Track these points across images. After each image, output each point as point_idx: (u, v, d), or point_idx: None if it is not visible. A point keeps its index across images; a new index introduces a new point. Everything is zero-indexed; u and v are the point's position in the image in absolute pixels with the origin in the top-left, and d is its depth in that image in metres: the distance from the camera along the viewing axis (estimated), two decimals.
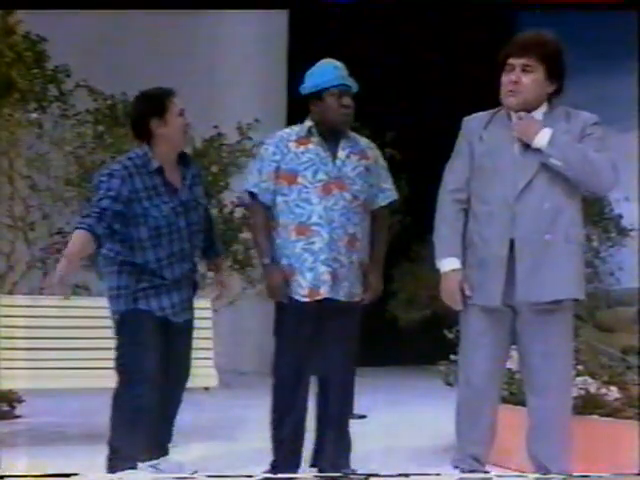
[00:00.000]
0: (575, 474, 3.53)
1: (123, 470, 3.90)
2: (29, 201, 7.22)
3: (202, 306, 5.88)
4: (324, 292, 3.99)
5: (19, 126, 6.97)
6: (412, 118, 11.43)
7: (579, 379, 4.45)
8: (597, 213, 10.45)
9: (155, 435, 4.00)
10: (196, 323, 5.66)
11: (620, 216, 10.70)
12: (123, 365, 3.98)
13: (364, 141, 4.23)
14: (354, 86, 4.09)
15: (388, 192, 4.23)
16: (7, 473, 3.89)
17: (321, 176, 4.03)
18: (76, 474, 3.73)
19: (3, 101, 6.79)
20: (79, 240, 3.73)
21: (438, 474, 3.77)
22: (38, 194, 7.17)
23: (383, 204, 4.21)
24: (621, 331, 8.38)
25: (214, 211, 8.72)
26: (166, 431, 4.17)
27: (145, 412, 3.92)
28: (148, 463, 3.93)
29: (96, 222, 3.76)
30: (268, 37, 11.60)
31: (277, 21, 11.68)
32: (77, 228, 3.78)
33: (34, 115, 7.16)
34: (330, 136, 4.09)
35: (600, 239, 10.62)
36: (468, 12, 10.05)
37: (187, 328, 4.18)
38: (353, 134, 4.20)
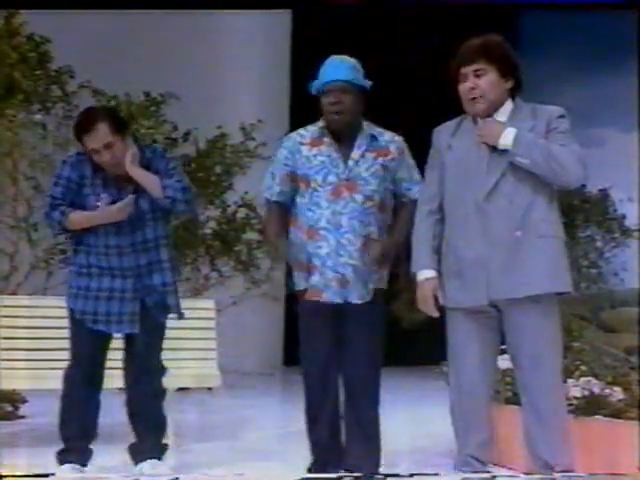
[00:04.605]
0: (577, 474, 3.52)
1: (70, 462, 4.01)
2: (33, 202, 7.22)
3: (206, 307, 5.89)
4: (327, 297, 3.93)
5: (23, 127, 6.99)
6: (414, 119, 11.41)
7: (582, 380, 4.44)
8: (600, 214, 10.42)
9: (86, 434, 4.06)
10: (199, 323, 5.71)
11: (623, 216, 10.69)
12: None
13: (387, 135, 4.08)
14: (351, 79, 3.90)
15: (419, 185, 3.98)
16: (9, 473, 3.89)
17: (331, 179, 3.94)
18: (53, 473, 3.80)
19: (7, 102, 6.80)
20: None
21: (438, 474, 3.77)
22: (42, 195, 7.17)
23: (414, 197, 3.96)
24: (625, 331, 8.38)
25: (217, 212, 8.74)
26: (145, 432, 4.12)
27: (71, 413, 4.07)
28: (70, 465, 4.00)
29: (51, 211, 3.96)
30: (271, 37, 11.61)
31: (280, 21, 11.69)
32: (51, 226, 4.01)
33: (38, 116, 7.18)
34: (343, 135, 3.98)
35: (604, 240, 10.60)
36: (469, 13, 10.06)
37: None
38: (376, 129, 4.06)
